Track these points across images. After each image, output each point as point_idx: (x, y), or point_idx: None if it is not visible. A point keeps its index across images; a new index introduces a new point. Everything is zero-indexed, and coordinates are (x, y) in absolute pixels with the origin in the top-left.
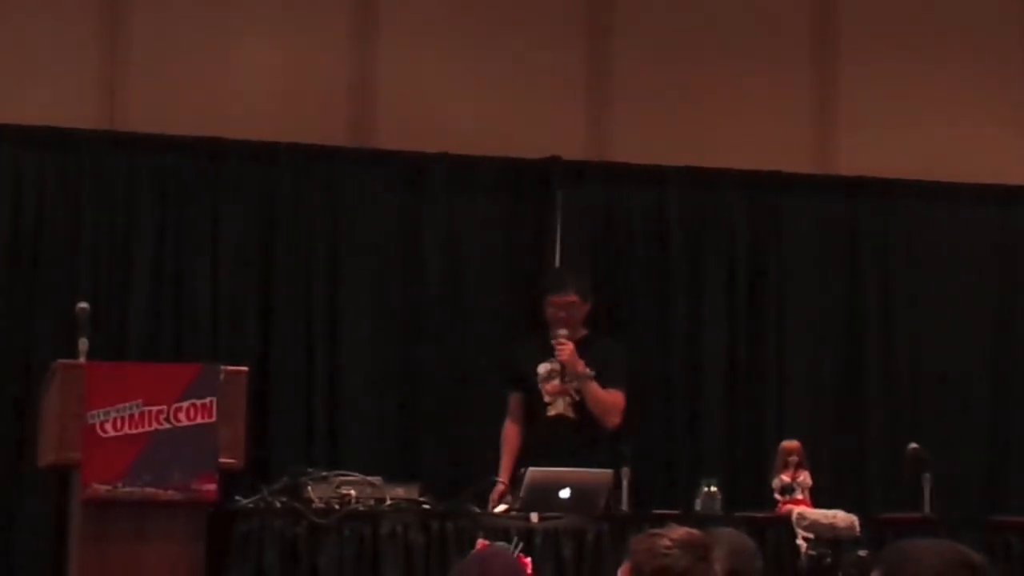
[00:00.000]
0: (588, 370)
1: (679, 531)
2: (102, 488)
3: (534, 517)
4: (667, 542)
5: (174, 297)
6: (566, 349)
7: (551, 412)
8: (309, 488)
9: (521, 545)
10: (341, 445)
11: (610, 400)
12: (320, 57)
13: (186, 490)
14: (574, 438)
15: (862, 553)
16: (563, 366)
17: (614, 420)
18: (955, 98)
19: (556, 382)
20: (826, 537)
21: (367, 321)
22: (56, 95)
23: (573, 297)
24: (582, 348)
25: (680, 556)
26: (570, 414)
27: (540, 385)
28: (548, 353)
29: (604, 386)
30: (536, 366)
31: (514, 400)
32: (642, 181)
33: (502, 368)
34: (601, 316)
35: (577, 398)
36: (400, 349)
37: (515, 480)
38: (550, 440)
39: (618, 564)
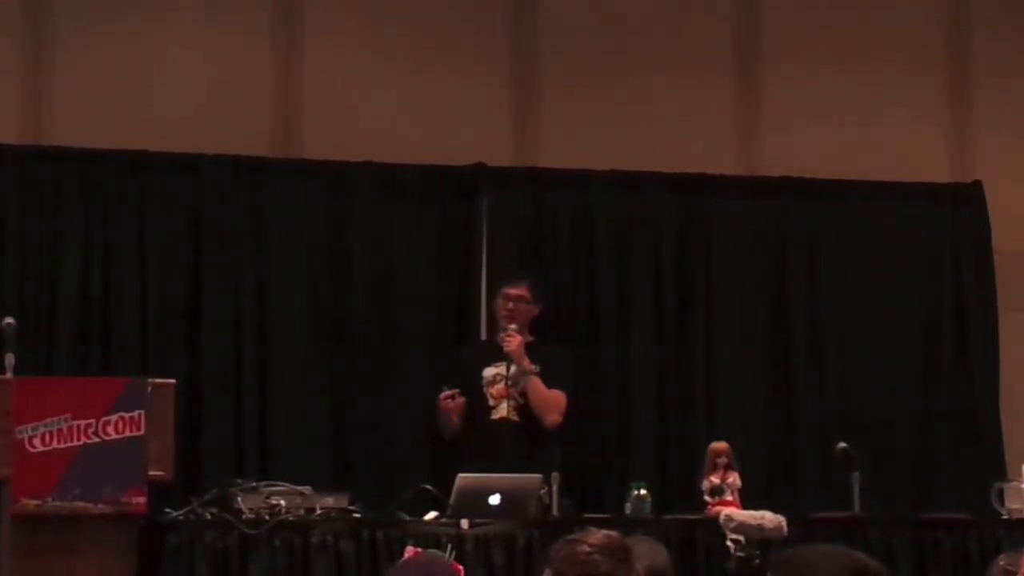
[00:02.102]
0: (533, 366)
1: (597, 535)
2: (32, 503)
3: (464, 524)
4: (586, 548)
5: (101, 311)
6: (513, 341)
7: (495, 415)
8: (239, 499)
9: (454, 552)
10: (270, 456)
11: (552, 397)
12: (244, 68)
13: (116, 503)
14: (517, 441)
15: (790, 551)
16: (508, 367)
17: (554, 418)
18: (879, 98)
19: (501, 385)
20: (754, 538)
21: (296, 331)
22: None
23: (524, 291)
24: (528, 352)
25: (601, 561)
26: (514, 417)
27: (485, 389)
28: (495, 357)
29: (548, 386)
30: (482, 370)
31: (456, 402)
32: (568, 185)
33: (450, 373)
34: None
35: (521, 401)
36: (329, 358)
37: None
38: (493, 443)
39: None
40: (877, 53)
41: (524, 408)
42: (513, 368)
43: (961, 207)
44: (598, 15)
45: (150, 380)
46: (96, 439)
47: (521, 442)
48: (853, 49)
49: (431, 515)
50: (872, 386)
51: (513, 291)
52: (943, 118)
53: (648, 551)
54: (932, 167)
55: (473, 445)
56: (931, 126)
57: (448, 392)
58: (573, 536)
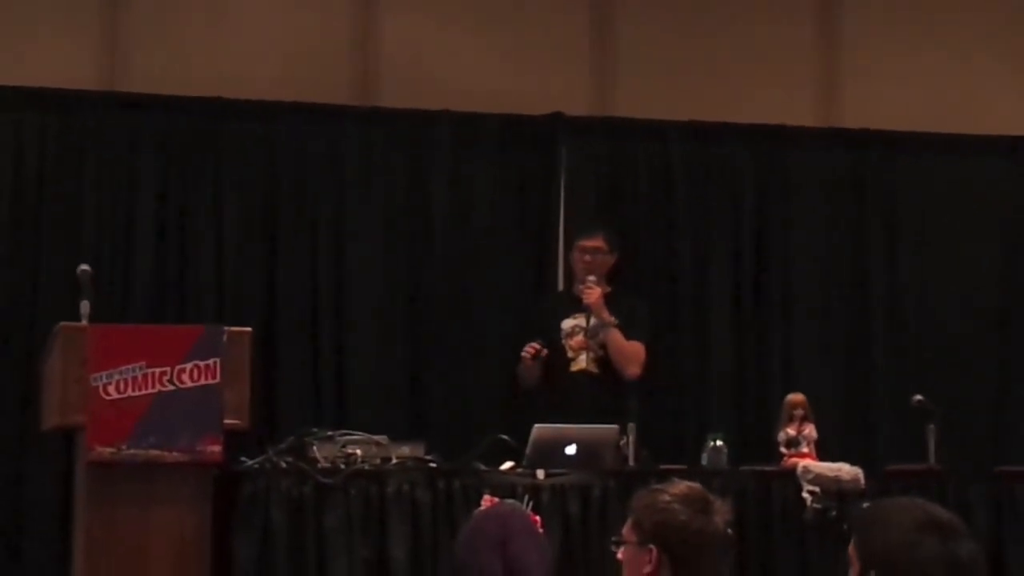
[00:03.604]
0: (613, 318)
1: (680, 486)
2: (106, 451)
3: (540, 474)
4: (667, 497)
5: (177, 258)
6: (593, 293)
7: (574, 367)
8: (315, 448)
9: (532, 502)
10: (347, 404)
11: (631, 350)
12: (322, 15)
13: (191, 452)
14: (597, 393)
15: (867, 506)
16: (588, 320)
17: (634, 370)
18: (960, 49)
19: (580, 337)
20: (831, 490)
21: (373, 280)
22: (57, 56)
23: (600, 242)
24: (606, 303)
25: (679, 510)
26: (593, 369)
27: (564, 341)
28: (573, 309)
29: (627, 338)
30: (560, 322)
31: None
32: (646, 136)
33: (528, 324)
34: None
35: (601, 353)
36: (406, 308)
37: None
38: (573, 395)
39: (624, 519)
40: (958, 4)
41: (603, 360)
42: (592, 320)
43: None
44: None
45: (226, 328)
46: (171, 387)
47: (600, 394)
48: (934, 0)
49: (507, 465)
50: (949, 339)
51: (589, 243)
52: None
53: (727, 507)
54: (1014, 119)
55: (552, 397)
56: (1012, 78)
57: (534, 345)
58: (656, 486)
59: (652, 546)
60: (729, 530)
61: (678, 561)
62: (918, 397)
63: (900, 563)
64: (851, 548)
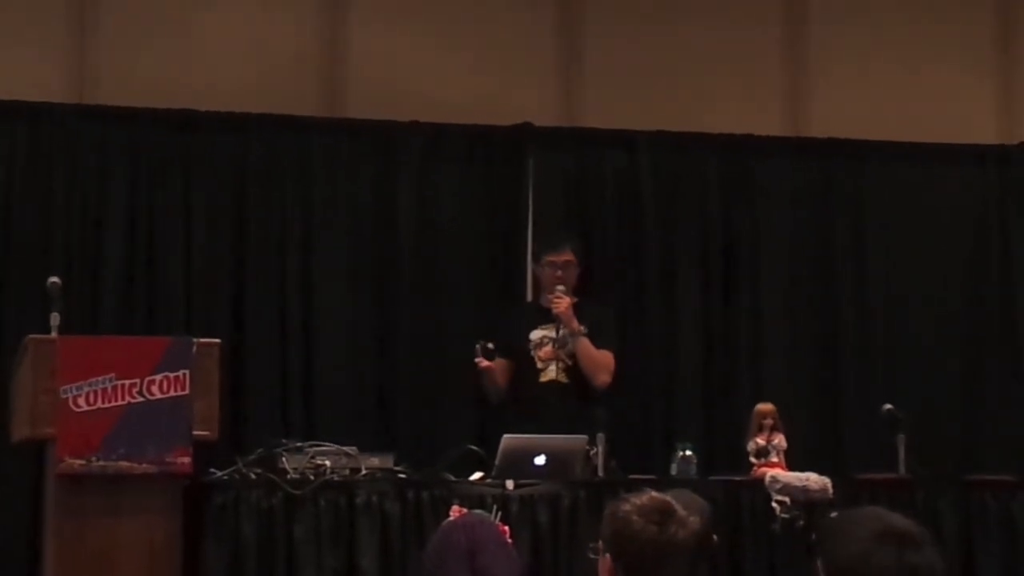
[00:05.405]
0: (581, 327)
1: (644, 497)
2: (76, 462)
3: (510, 484)
4: (627, 507)
5: (146, 270)
6: (562, 303)
7: (544, 378)
8: (284, 459)
9: (500, 513)
10: (316, 416)
11: (601, 358)
12: (291, 27)
13: (161, 463)
14: (567, 402)
15: (835, 515)
16: (557, 330)
17: (604, 378)
18: (925, 59)
19: (549, 348)
20: (799, 500)
21: (341, 291)
22: (25, 68)
23: (569, 256)
24: (574, 312)
25: (634, 521)
26: (563, 379)
27: (532, 352)
28: (541, 320)
29: (596, 347)
30: (529, 333)
31: (499, 364)
32: (614, 146)
33: (496, 335)
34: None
35: (570, 363)
36: (374, 319)
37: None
38: (542, 406)
39: (593, 529)
40: (925, 13)
41: (573, 369)
42: (562, 330)
43: (1008, 168)
44: None
45: (195, 340)
46: (141, 399)
47: (571, 403)
48: (901, 9)
49: (476, 476)
50: (918, 347)
51: (559, 258)
52: (990, 79)
53: (697, 519)
54: (979, 128)
55: (521, 408)
56: (978, 87)
57: (483, 346)
58: (626, 495)
59: (607, 555)
60: (715, 538)
61: (630, 571)
62: (888, 406)
63: (856, 574)
64: (818, 563)
